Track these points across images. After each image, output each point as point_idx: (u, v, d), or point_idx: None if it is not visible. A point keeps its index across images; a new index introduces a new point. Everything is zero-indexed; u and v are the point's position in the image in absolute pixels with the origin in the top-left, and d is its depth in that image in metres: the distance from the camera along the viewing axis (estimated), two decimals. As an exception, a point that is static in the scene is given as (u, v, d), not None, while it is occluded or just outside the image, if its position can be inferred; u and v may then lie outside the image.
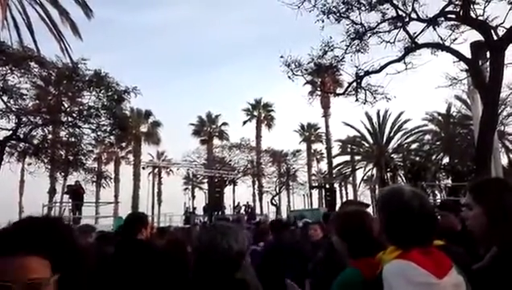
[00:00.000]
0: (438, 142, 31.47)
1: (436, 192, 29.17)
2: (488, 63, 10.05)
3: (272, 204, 32.15)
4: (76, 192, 16.77)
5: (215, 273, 1.71)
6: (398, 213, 1.51)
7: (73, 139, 17.01)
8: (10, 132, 15.07)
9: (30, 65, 14.67)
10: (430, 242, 1.49)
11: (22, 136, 15.63)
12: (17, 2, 18.59)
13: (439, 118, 31.54)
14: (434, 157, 31.54)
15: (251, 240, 5.66)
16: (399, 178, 33.19)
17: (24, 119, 15.20)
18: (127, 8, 66.76)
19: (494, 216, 1.53)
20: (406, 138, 33.04)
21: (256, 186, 35.02)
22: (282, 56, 12.19)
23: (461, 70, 11.69)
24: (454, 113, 29.74)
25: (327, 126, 36.47)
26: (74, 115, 16.28)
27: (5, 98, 14.61)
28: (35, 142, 16.34)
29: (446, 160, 31.04)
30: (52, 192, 30.13)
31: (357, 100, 12.23)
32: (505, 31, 9.69)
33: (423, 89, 56.89)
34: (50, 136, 16.93)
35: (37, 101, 15.92)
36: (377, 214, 1.64)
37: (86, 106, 16.07)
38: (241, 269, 1.80)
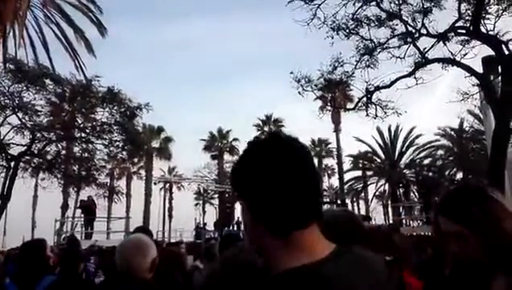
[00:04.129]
0: (451, 158, 31.11)
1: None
2: (500, 77, 10.00)
3: (283, 219, 31.89)
4: (88, 208, 16.91)
5: None
6: (347, 233, 1.56)
7: (86, 155, 17.26)
8: (25, 148, 15.36)
9: (45, 82, 15.03)
10: None
11: (36, 152, 15.90)
12: (33, 21, 19.15)
13: (452, 133, 31.24)
14: (447, 172, 31.15)
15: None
16: (412, 194, 32.81)
17: (38, 135, 15.49)
18: (138, 25, 68.06)
19: (493, 241, 1.26)
20: (418, 154, 32.72)
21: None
22: (292, 72, 12.28)
23: (473, 85, 11.61)
24: (467, 128, 29.43)
25: (338, 142, 36.30)
26: (87, 131, 16.56)
27: (20, 115, 14.96)
28: (49, 157, 16.61)
29: (459, 176, 30.64)
30: (65, 207, 30.41)
31: (367, 115, 12.21)
32: (516, 45, 9.66)
33: (434, 104, 56.56)
34: (63, 152, 17.20)
35: (51, 118, 16.24)
36: None
37: (99, 122, 16.34)
38: None
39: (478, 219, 1.27)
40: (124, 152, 17.71)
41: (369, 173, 35.94)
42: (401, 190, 32.46)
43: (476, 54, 10.91)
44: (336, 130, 35.76)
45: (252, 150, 0.97)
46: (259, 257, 0.96)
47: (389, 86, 11.49)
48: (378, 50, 11.59)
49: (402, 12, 11.05)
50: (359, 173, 36.66)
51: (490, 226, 1.25)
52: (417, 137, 32.64)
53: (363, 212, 38.67)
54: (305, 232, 0.89)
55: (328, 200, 36.40)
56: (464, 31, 10.63)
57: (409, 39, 11.23)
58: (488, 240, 1.25)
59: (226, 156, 37.80)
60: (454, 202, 1.35)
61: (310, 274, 0.82)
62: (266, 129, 39.23)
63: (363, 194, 38.84)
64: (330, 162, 40.41)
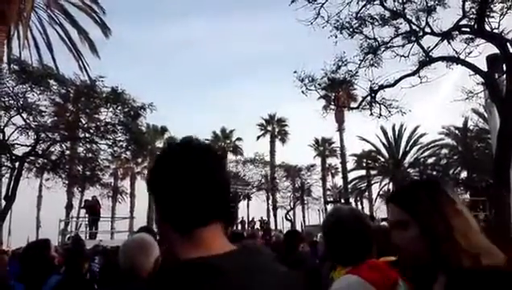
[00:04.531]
0: (455, 157, 30.97)
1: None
2: (504, 76, 9.94)
3: (287, 219, 31.94)
4: (92, 208, 16.95)
5: None
6: (333, 232, 1.53)
7: (90, 155, 17.29)
8: (29, 148, 15.41)
9: (49, 83, 15.07)
10: (366, 258, 1.47)
11: (40, 152, 15.96)
12: (37, 22, 19.24)
13: (456, 131, 31.10)
14: (451, 171, 31.00)
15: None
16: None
17: (43, 135, 15.54)
18: (138, 25, 68.22)
19: (435, 235, 1.19)
20: (422, 153, 32.61)
21: (270, 201, 34.86)
22: (295, 72, 12.25)
23: (477, 83, 11.56)
24: (471, 127, 29.28)
25: (341, 141, 36.28)
26: (91, 131, 16.59)
27: (24, 115, 15.00)
28: (53, 157, 16.66)
29: (464, 175, 30.50)
30: (69, 207, 30.51)
31: (371, 114, 12.17)
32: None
33: (438, 103, 56.36)
34: (68, 152, 17.25)
35: (55, 118, 16.28)
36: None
37: (103, 122, 16.36)
38: None
39: (423, 207, 1.23)
40: (128, 152, 17.75)
41: (373, 172, 35.86)
42: (405, 189, 32.30)
43: (481, 52, 10.86)
44: (340, 130, 35.74)
45: (162, 155, 1.05)
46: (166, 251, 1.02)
47: (393, 85, 11.45)
48: (382, 49, 11.55)
49: (405, 11, 11.01)
50: (363, 172, 36.60)
51: (435, 218, 1.21)
52: (421, 136, 32.58)
53: (367, 211, 38.59)
54: (205, 230, 0.97)
55: (331, 199, 36.39)
56: (468, 30, 10.58)
57: (413, 38, 11.18)
58: (430, 232, 1.20)
59: (230, 156, 37.81)
60: (404, 190, 1.34)
61: (204, 264, 0.89)
62: (269, 128, 39.23)
63: (367, 193, 38.74)
64: (334, 161, 40.36)
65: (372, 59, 11.65)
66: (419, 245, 1.21)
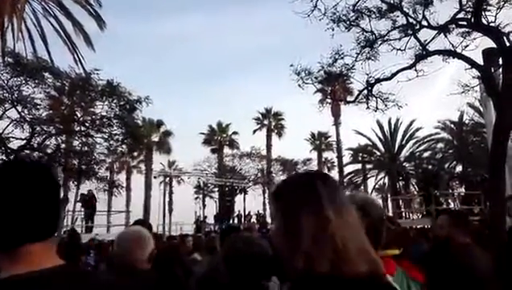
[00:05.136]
0: (451, 151, 31.12)
1: (450, 201, 28.82)
2: (500, 69, 9.95)
3: (283, 213, 31.97)
4: (88, 202, 16.91)
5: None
6: (379, 219, 1.50)
7: (86, 149, 17.21)
8: (24, 141, 15.31)
9: (44, 76, 14.94)
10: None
11: (35, 145, 15.86)
12: (32, 14, 19.03)
13: (452, 126, 31.22)
14: (447, 165, 31.16)
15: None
16: (411, 187, 32.87)
17: (38, 129, 15.43)
18: (133, 19, 67.71)
19: (285, 232, 1.09)
20: (418, 147, 32.76)
21: (266, 195, 34.93)
22: (292, 65, 12.20)
23: (473, 77, 11.56)
24: (467, 121, 29.42)
25: (337, 135, 36.31)
26: (87, 125, 16.49)
27: (19, 108, 14.88)
28: (49, 151, 16.55)
29: (459, 169, 30.66)
30: (65, 201, 30.37)
31: (367, 107, 12.16)
32: (517, 37, 9.60)
33: (434, 97, 56.48)
34: (63, 145, 17.14)
35: (51, 111, 16.17)
36: None
37: (99, 116, 16.27)
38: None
39: (285, 202, 1.12)
40: (124, 146, 17.68)
41: (368, 166, 35.99)
42: (401, 183, 32.52)
43: (477, 46, 10.86)
44: (336, 124, 35.75)
45: None
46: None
47: (389, 78, 11.43)
48: (379, 42, 11.51)
49: (402, 3, 10.97)
50: (359, 166, 36.73)
51: (290, 214, 1.08)
52: (417, 130, 32.73)
53: (363, 205, 38.66)
54: (31, 247, 0.99)
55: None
56: (465, 23, 10.55)
57: (410, 31, 11.15)
58: (284, 229, 1.10)
59: (226, 150, 37.82)
60: (281, 183, 1.24)
61: (28, 279, 0.94)
62: (265, 122, 39.19)
63: (362, 187, 38.91)
64: (330, 155, 40.42)
65: (369, 52, 11.61)
66: (281, 241, 1.11)
